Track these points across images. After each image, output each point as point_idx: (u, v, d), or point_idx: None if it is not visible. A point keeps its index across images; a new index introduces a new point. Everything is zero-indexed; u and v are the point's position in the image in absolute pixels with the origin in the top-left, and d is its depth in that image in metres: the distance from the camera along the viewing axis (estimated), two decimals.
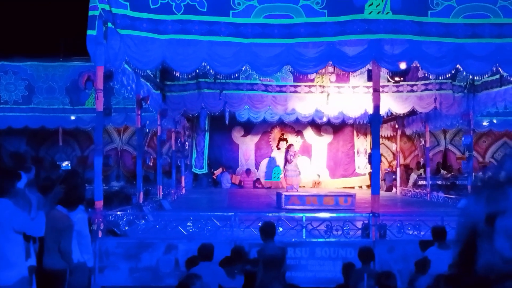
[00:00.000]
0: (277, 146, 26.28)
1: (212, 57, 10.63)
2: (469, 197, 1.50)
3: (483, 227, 1.38)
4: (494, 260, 1.37)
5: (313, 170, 26.21)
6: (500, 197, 1.36)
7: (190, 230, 10.47)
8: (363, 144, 26.39)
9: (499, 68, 11.56)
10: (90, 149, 23.90)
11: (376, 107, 10.82)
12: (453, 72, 12.30)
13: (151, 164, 15.08)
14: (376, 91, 10.84)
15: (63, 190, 6.34)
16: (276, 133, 26.29)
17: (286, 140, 26.17)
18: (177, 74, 12.75)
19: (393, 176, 24.09)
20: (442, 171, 25.08)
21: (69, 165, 20.36)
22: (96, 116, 10.46)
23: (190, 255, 9.38)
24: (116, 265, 9.94)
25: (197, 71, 12.25)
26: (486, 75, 13.13)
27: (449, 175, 24.38)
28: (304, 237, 10.26)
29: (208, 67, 11.26)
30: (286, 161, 19.39)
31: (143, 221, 11.52)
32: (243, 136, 26.22)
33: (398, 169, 23.13)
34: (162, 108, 16.61)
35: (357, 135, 26.63)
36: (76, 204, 6.62)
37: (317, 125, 24.84)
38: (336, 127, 24.95)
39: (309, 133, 26.30)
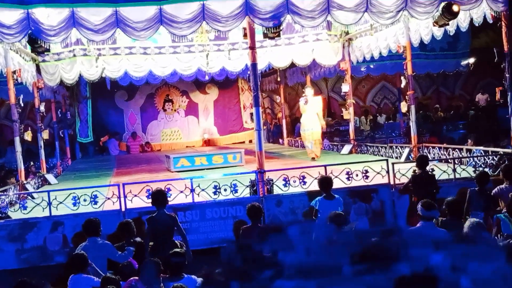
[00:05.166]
0: (162, 108, 26.02)
1: (82, 25, 10.24)
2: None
3: None
4: None
5: (201, 129, 26.26)
6: None
7: (77, 205, 10.20)
8: (248, 99, 26.55)
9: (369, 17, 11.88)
10: None
11: (254, 65, 10.86)
12: (326, 23, 12.53)
13: (30, 139, 14.44)
14: (253, 49, 10.86)
15: None
16: (160, 94, 25.99)
17: (172, 101, 25.94)
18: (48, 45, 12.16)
19: (280, 128, 24.55)
20: (326, 118, 25.75)
21: None
22: None
23: (77, 230, 9.23)
24: (0, 249, 9.61)
25: (70, 39, 11.78)
26: (358, 24, 13.43)
27: (333, 121, 25.10)
28: (194, 200, 10.26)
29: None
30: None
31: (26, 200, 11.07)
32: (127, 100, 25.72)
33: (284, 121, 23.55)
34: (37, 79, 15.89)
35: (242, 90, 26.78)
36: None
37: (202, 84, 24.68)
38: (221, 84, 24.72)
39: (194, 92, 26.18)
